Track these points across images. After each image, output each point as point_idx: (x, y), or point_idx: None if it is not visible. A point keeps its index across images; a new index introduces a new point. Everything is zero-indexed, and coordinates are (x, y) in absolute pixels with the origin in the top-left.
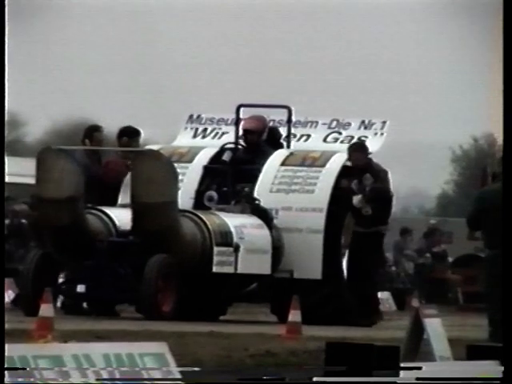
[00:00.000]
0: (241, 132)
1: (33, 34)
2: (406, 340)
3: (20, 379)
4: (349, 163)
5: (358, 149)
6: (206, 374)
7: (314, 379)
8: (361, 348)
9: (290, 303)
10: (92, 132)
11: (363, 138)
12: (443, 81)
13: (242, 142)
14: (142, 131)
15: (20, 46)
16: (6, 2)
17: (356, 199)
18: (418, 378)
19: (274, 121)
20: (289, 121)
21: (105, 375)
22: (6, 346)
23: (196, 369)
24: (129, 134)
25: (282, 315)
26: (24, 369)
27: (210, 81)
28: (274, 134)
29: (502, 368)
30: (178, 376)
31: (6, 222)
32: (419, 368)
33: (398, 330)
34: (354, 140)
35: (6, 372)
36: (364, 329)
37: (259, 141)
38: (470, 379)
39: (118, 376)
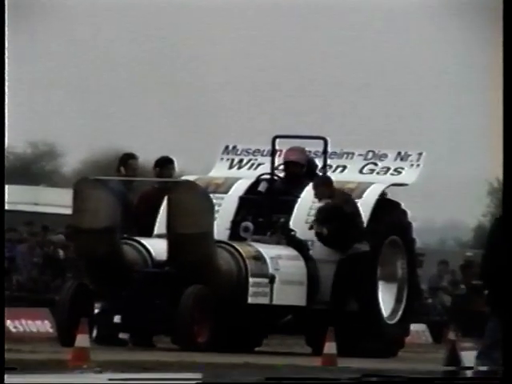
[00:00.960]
0: (279, 162)
1: (67, 62)
2: (442, 373)
3: (20, 379)
4: (382, 196)
5: (322, 184)
6: None
7: None
8: (395, 381)
9: (325, 335)
10: (127, 160)
11: (399, 170)
12: (480, 112)
13: (277, 172)
14: (175, 160)
15: (57, 76)
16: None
17: (314, 221)
18: (417, 378)
19: (310, 152)
20: (325, 152)
21: None
22: (42, 375)
23: None
24: (161, 164)
25: (318, 347)
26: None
27: (246, 111)
28: (310, 164)
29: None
30: None
31: (44, 251)
32: None
33: (434, 362)
34: (319, 175)
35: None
36: (400, 361)
37: (301, 172)
38: (470, 379)
39: None
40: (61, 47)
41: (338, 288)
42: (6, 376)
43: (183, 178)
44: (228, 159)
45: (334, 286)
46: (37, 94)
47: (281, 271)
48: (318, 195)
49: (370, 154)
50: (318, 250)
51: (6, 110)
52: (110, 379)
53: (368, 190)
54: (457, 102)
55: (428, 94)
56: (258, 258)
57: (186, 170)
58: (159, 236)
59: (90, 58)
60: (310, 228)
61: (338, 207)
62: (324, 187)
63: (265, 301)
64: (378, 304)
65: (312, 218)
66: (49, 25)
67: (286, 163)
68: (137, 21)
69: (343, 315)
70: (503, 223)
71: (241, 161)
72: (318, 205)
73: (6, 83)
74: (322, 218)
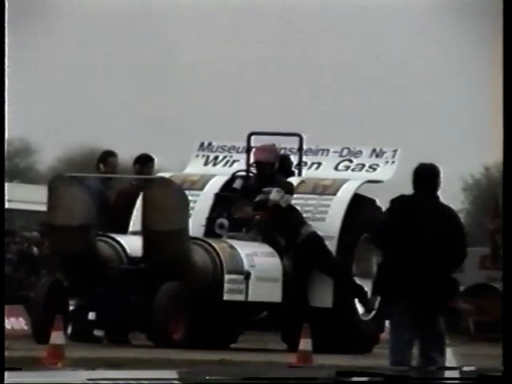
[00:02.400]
0: (252, 161)
1: (44, 61)
2: (417, 368)
3: (20, 379)
4: (359, 191)
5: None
6: None
7: None
8: (371, 377)
9: (300, 331)
10: (106, 157)
11: (374, 166)
12: (454, 110)
13: (253, 169)
14: (155, 158)
15: (33, 73)
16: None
17: (271, 194)
18: (418, 378)
19: (285, 148)
20: (300, 149)
21: None
22: (16, 372)
23: None
24: (141, 161)
25: (293, 343)
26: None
27: (221, 108)
28: (285, 161)
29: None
30: None
31: (18, 248)
32: None
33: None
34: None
35: (5, 372)
36: (375, 357)
37: (271, 171)
38: (471, 379)
39: None
40: (36, 45)
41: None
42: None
43: (158, 174)
44: (203, 156)
45: (297, 278)
46: (12, 90)
47: (256, 268)
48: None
49: (345, 151)
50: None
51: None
52: (88, 379)
53: (343, 187)
54: (432, 98)
55: (403, 90)
56: (234, 254)
57: (161, 167)
58: (134, 233)
59: (65, 55)
60: (263, 204)
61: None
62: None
63: (240, 297)
64: (353, 300)
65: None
66: (31, 24)
67: (256, 163)
68: (113, 20)
69: (310, 309)
70: (503, 223)
71: (216, 158)
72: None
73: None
74: (281, 187)
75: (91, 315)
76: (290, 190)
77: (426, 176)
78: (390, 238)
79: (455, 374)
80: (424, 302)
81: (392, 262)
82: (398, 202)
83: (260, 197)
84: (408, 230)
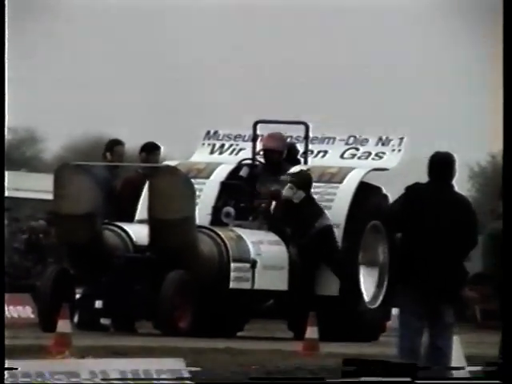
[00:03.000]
0: (259, 149)
1: (48, 49)
2: (423, 356)
3: (20, 379)
4: (365, 179)
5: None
6: None
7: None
8: (377, 365)
9: (306, 320)
10: (113, 146)
11: (381, 154)
12: (461, 98)
13: (259, 158)
14: (161, 146)
15: (36, 62)
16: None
17: (285, 188)
18: (418, 378)
19: (291, 137)
20: (306, 137)
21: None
22: (23, 362)
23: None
24: (147, 150)
25: (299, 332)
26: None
27: (227, 96)
28: (291, 150)
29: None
30: None
31: (24, 237)
32: None
33: None
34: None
35: (5, 372)
36: (382, 345)
37: (279, 159)
38: (471, 379)
39: None
40: (44, 37)
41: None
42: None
43: (164, 163)
44: (209, 144)
45: (306, 266)
46: (18, 80)
47: (262, 256)
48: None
49: (352, 139)
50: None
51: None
52: (103, 379)
53: (349, 175)
54: (438, 86)
55: (409, 78)
56: (240, 243)
57: (168, 155)
58: (141, 221)
59: (71, 45)
60: (277, 195)
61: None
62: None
63: (246, 286)
64: (359, 288)
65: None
66: (35, 13)
67: (264, 150)
68: (119, 11)
69: (317, 298)
70: (503, 223)
71: (222, 146)
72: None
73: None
74: (295, 181)
75: (98, 304)
76: (306, 181)
77: (441, 164)
78: (402, 223)
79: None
80: (435, 291)
81: (403, 250)
82: (413, 190)
83: (274, 187)
84: (421, 218)
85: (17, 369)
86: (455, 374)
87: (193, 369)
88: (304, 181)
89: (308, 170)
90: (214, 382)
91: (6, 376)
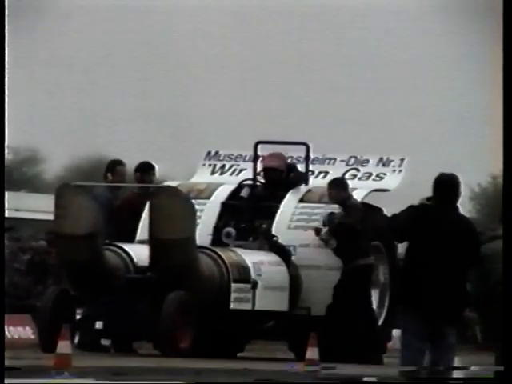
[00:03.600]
0: (260, 168)
1: (51, 70)
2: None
3: (20, 379)
4: (367, 200)
5: (336, 186)
6: None
7: None
8: None
9: (307, 340)
10: (114, 166)
11: (381, 175)
12: (462, 118)
13: (260, 178)
14: (156, 166)
15: (38, 81)
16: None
17: (323, 232)
18: (417, 378)
19: (292, 157)
20: (307, 157)
21: None
22: (24, 381)
23: None
24: (142, 169)
25: (300, 352)
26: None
27: (228, 117)
28: (291, 170)
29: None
30: None
31: (25, 257)
32: None
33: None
34: (335, 176)
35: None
36: (383, 366)
37: (280, 178)
38: (471, 379)
39: None
40: (43, 52)
41: (338, 297)
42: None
43: (165, 183)
44: (210, 165)
45: (335, 295)
46: (19, 99)
47: (263, 277)
48: (331, 198)
49: (352, 160)
50: (300, 255)
51: (6, 114)
52: None
53: None
54: (439, 107)
55: (410, 100)
56: (241, 263)
57: (168, 176)
58: (141, 242)
59: (72, 64)
60: (317, 233)
61: (350, 218)
62: (337, 190)
63: (247, 306)
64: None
65: (297, 224)
66: (33, 28)
67: (265, 169)
68: (120, 25)
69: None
70: (503, 223)
71: (223, 166)
72: (329, 210)
73: (6, 86)
74: (332, 228)
75: (98, 324)
76: (353, 214)
77: (447, 186)
78: (405, 238)
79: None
80: (438, 312)
81: (406, 271)
82: (417, 210)
83: (321, 220)
84: (425, 238)
85: (18, 369)
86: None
87: None
88: (355, 210)
89: (348, 215)
90: None
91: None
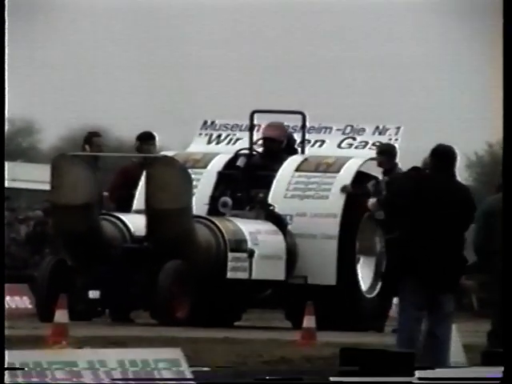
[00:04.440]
0: (256, 137)
1: (44, 39)
2: (421, 345)
3: (20, 379)
4: (363, 169)
5: (384, 152)
6: (220, 378)
7: (331, 379)
8: (375, 354)
9: (304, 309)
10: (91, 137)
11: (377, 144)
12: (458, 86)
13: (256, 147)
14: (156, 136)
15: (34, 52)
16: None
17: (371, 202)
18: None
19: (288, 126)
20: (303, 126)
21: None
22: (21, 351)
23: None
24: (142, 139)
25: (297, 321)
26: (23, 369)
27: (224, 86)
28: (289, 140)
29: (502, 368)
30: (192, 381)
31: (22, 227)
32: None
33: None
34: (384, 142)
35: (5, 372)
36: (379, 335)
37: (279, 148)
38: (471, 379)
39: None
40: (42, 27)
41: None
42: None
43: (162, 153)
44: (206, 134)
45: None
46: (15, 70)
47: (260, 246)
48: (379, 164)
49: (348, 129)
50: (296, 224)
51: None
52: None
53: (346, 165)
54: (436, 76)
55: (407, 68)
56: (237, 232)
57: (165, 146)
58: (138, 211)
59: (68, 36)
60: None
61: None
62: (385, 156)
63: (244, 275)
64: (356, 278)
65: (293, 193)
66: (32, 1)
67: (265, 139)
68: (120, 6)
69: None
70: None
71: (219, 136)
72: (383, 187)
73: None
74: (380, 198)
75: (94, 294)
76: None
77: (444, 155)
78: (403, 205)
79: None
80: (435, 280)
81: (402, 239)
82: (415, 177)
83: (367, 189)
84: (422, 205)
85: (18, 369)
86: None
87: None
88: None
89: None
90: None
91: (6, 376)
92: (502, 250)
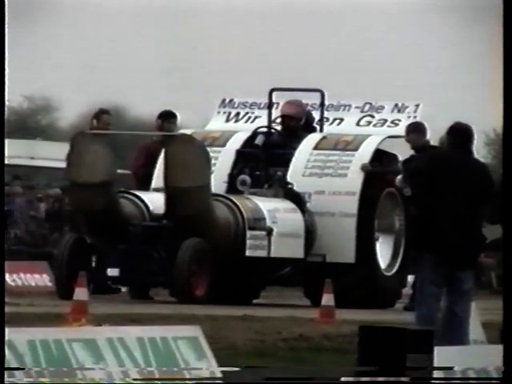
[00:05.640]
0: (275, 115)
1: (64, 17)
2: (440, 323)
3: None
4: (381, 146)
5: (414, 130)
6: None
7: (342, 379)
8: (394, 332)
9: (322, 287)
10: (100, 114)
11: (396, 122)
12: (477, 65)
13: (275, 125)
14: (177, 114)
15: (54, 30)
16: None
17: (398, 179)
18: (414, 378)
19: (306, 104)
20: (321, 104)
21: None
22: (41, 328)
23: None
24: (163, 117)
25: (316, 299)
26: (23, 369)
27: (242, 64)
28: (307, 117)
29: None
30: (212, 359)
31: (41, 205)
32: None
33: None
34: (412, 121)
35: (5, 372)
36: (398, 312)
37: (297, 126)
38: (471, 379)
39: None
40: (64, 5)
41: None
42: (6, 330)
43: (180, 131)
44: (225, 112)
45: None
46: (34, 48)
47: (278, 224)
48: (409, 142)
49: (367, 106)
50: (315, 202)
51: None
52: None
53: (365, 143)
54: (454, 53)
55: (426, 45)
56: (256, 210)
57: (183, 124)
58: (157, 189)
59: (87, 13)
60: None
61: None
62: (415, 134)
63: (262, 253)
64: (375, 255)
65: (311, 171)
66: None
67: (283, 117)
68: None
69: None
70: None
71: (238, 114)
72: (409, 155)
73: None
74: (406, 175)
75: (113, 271)
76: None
77: (462, 132)
78: (422, 181)
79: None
80: (454, 257)
81: (421, 216)
82: (435, 154)
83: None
84: (441, 182)
85: (18, 369)
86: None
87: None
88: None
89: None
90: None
91: (5, 376)
92: (503, 247)
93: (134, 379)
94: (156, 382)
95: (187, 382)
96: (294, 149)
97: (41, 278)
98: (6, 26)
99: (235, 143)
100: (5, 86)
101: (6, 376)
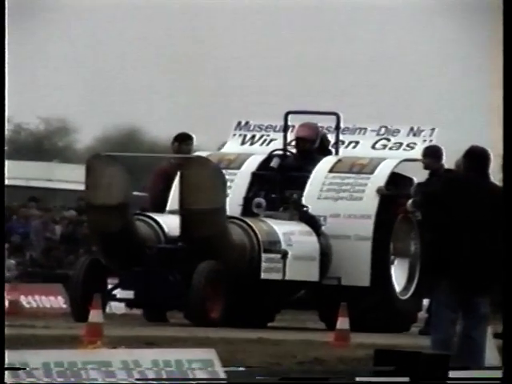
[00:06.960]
0: (290, 138)
1: (81, 37)
2: (456, 347)
3: (20, 379)
4: (397, 170)
5: (430, 154)
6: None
7: (357, 379)
8: (409, 356)
9: (338, 310)
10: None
11: (412, 145)
12: (496, 90)
13: (290, 148)
14: (193, 137)
15: (71, 52)
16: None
17: (409, 203)
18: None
19: (322, 127)
20: (337, 127)
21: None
22: (56, 351)
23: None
24: (180, 140)
25: (331, 322)
26: (24, 369)
27: (258, 87)
28: (322, 140)
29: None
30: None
31: (57, 227)
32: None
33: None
34: (427, 144)
35: (6, 372)
36: (413, 336)
37: (311, 148)
38: (471, 379)
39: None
40: (74, 23)
41: None
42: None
43: (196, 153)
44: (240, 135)
45: None
46: (50, 70)
47: (293, 247)
48: (425, 165)
49: (383, 130)
50: (330, 225)
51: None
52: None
53: (380, 166)
54: (473, 79)
55: (443, 69)
56: (271, 233)
57: (199, 146)
58: (172, 212)
59: (103, 34)
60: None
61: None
62: (431, 158)
63: (277, 276)
64: (390, 279)
65: (327, 194)
66: (61, 5)
67: (297, 139)
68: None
69: None
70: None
71: (253, 137)
72: (423, 178)
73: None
74: (421, 198)
75: (129, 294)
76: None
77: (479, 156)
78: (438, 206)
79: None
80: (471, 282)
81: (437, 240)
82: (451, 179)
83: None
84: (458, 205)
85: (18, 369)
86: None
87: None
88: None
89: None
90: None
91: (6, 376)
92: (504, 250)
93: None
94: None
95: None
96: (310, 171)
97: (56, 300)
98: (23, 44)
99: (251, 166)
100: (5, 86)
101: (5, 376)
